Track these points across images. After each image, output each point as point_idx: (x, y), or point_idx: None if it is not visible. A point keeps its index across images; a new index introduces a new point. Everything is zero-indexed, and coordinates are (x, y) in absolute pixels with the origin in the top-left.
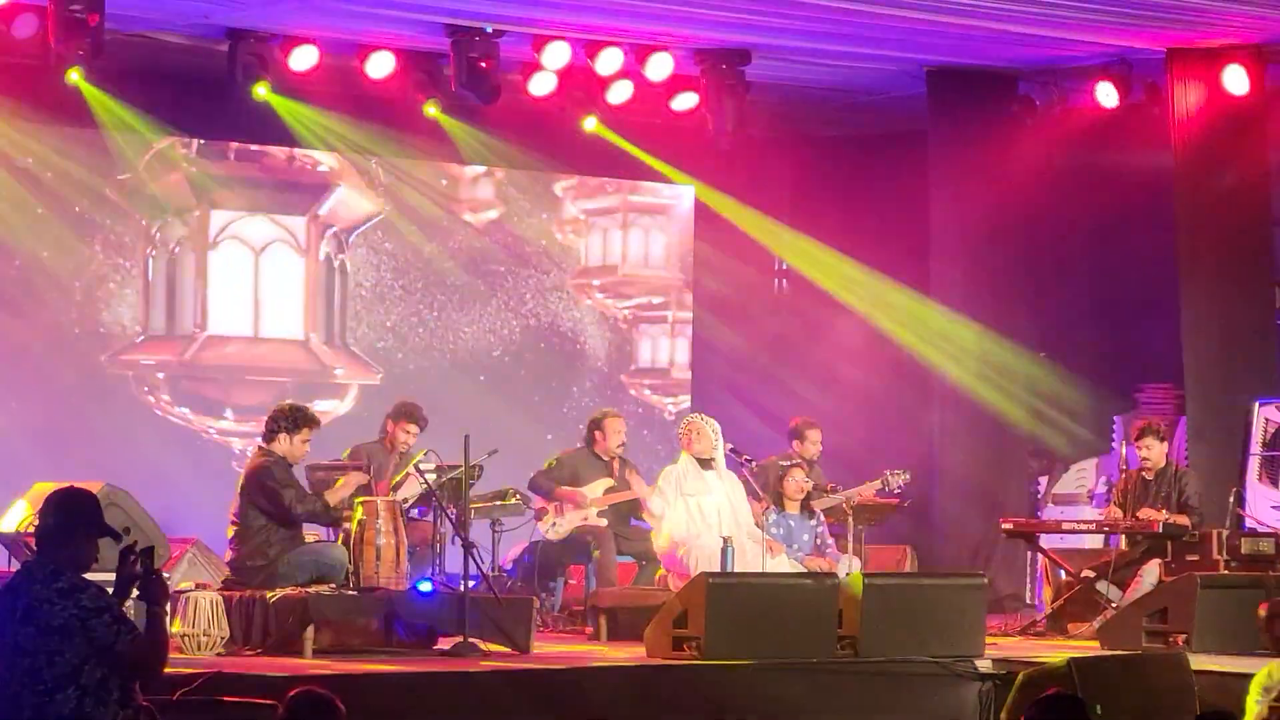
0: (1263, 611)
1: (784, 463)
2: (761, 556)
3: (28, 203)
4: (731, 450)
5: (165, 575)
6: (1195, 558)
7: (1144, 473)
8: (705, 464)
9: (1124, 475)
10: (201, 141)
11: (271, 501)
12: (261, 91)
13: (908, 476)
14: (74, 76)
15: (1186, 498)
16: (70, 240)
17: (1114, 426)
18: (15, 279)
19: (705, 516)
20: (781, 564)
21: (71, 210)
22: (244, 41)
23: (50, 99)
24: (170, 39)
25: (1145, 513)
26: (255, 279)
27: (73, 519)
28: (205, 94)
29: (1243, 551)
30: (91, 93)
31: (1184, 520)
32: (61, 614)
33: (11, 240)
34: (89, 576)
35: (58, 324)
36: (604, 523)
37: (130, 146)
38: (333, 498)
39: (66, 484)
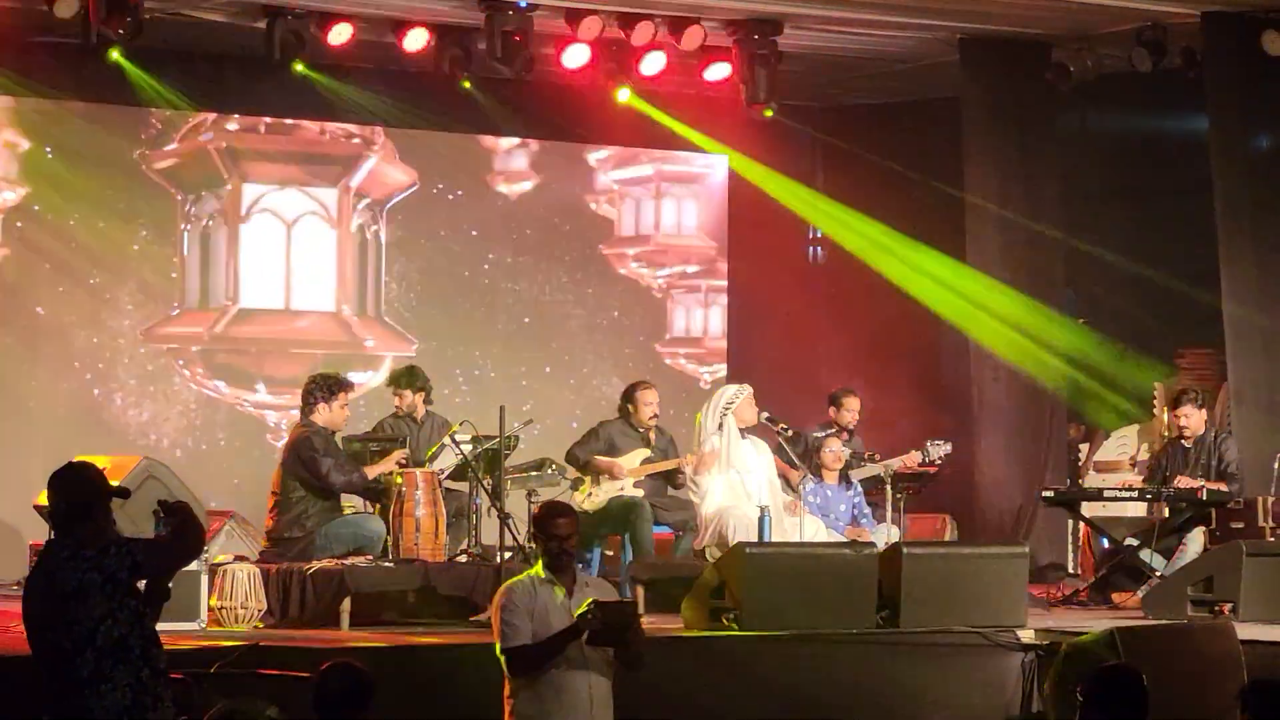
0: None
1: (819, 433)
2: (800, 526)
3: (67, 180)
4: (768, 419)
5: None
6: (1240, 525)
7: (1183, 440)
8: (743, 434)
9: (1163, 442)
10: (235, 116)
11: (310, 471)
12: (299, 67)
13: (949, 447)
14: (115, 55)
15: (1226, 465)
16: (107, 216)
17: (1155, 392)
18: (54, 256)
19: (745, 486)
20: (818, 531)
21: (109, 187)
22: (281, 18)
23: (91, 77)
24: (209, 17)
25: (1182, 481)
26: (287, 251)
27: (82, 496)
28: (243, 71)
29: None
30: (132, 71)
31: (1222, 487)
32: (73, 578)
33: (50, 218)
34: None
35: (96, 299)
36: (640, 493)
37: (167, 123)
38: (371, 471)
39: (93, 459)
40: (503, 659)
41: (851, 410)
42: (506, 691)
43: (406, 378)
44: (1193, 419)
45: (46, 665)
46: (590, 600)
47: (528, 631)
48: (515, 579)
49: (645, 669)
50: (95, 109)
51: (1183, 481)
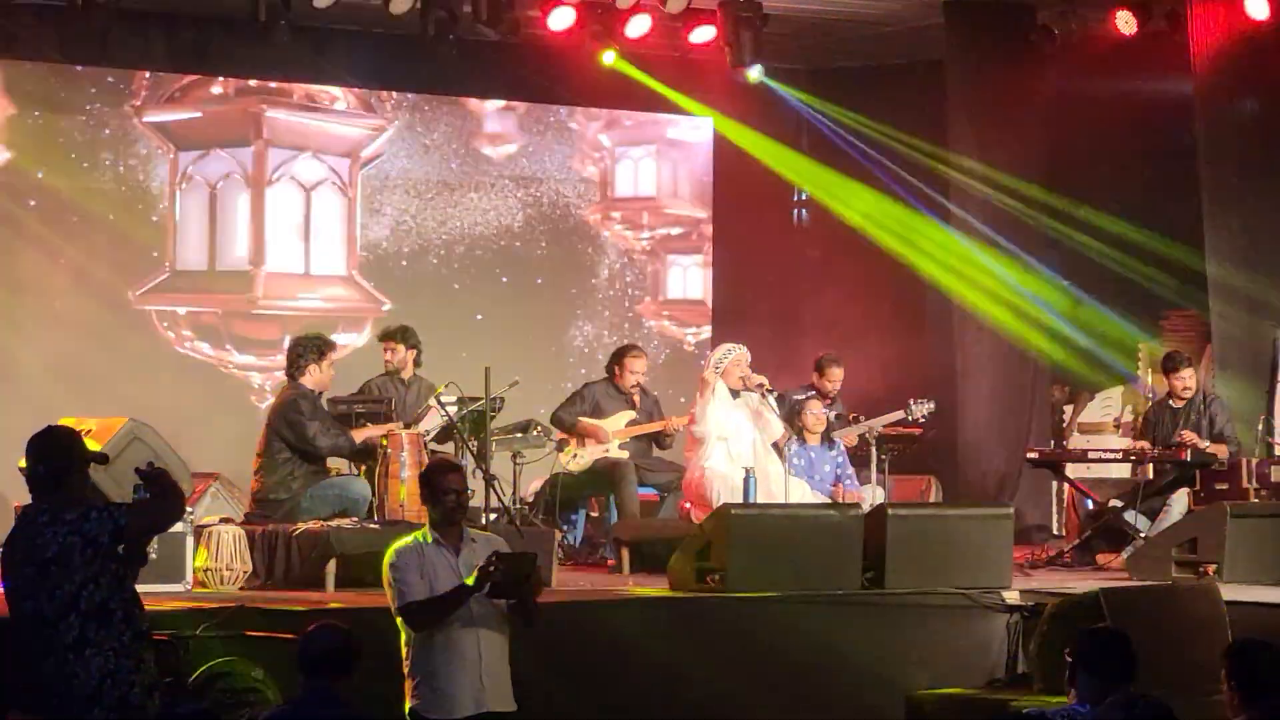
0: None
1: (799, 395)
2: (785, 488)
3: (56, 141)
4: (756, 384)
5: (189, 510)
6: (1224, 486)
7: (1171, 400)
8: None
9: (1151, 404)
10: (220, 79)
11: (296, 433)
12: (284, 29)
13: (932, 405)
14: (100, 17)
15: (1220, 428)
16: (95, 178)
17: (1139, 354)
18: (40, 218)
19: (730, 448)
20: (804, 492)
21: (98, 148)
22: None
23: (80, 39)
24: None
25: (1188, 435)
26: (261, 214)
27: (61, 460)
28: (230, 33)
29: (1273, 480)
30: (116, 32)
31: (1220, 450)
32: (53, 543)
33: (39, 178)
34: None
35: (82, 261)
36: (625, 455)
37: (155, 86)
38: (359, 435)
39: (90, 420)
40: (399, 619)
41: (834, 380)
42: (404, 652)
43: (401, 333)
44: (1193, 382)
45: (27, 630)
46: (493, 553)
47: (421, 588)
48: (400, 542)
49: (539, 624)
50: (80, 70)
51: (1187, 436)
